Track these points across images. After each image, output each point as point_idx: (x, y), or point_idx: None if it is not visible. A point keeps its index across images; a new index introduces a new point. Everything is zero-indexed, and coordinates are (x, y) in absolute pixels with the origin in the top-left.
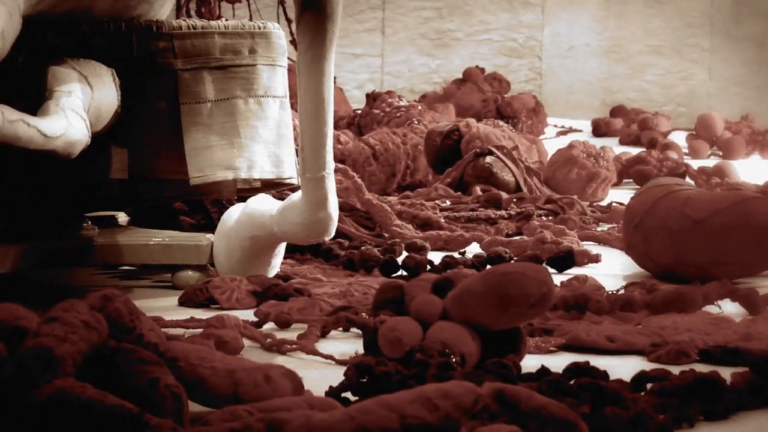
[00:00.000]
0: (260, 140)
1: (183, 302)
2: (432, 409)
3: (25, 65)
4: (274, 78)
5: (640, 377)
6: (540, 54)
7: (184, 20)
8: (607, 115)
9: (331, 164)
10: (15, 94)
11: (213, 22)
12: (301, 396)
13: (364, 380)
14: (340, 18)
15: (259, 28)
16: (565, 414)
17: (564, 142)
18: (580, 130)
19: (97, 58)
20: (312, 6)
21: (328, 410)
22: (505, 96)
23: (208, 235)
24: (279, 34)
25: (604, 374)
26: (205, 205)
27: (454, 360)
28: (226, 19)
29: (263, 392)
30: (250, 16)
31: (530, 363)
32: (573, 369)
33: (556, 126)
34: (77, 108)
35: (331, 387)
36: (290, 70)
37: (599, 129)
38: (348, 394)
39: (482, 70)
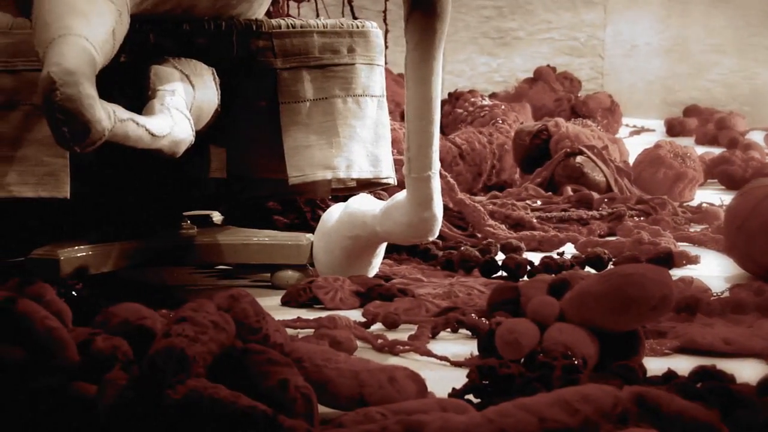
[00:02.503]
0: (358, 139)
1: (286, 302)
2: (572, 412)
3: (128, 64)
4: (372, 77)
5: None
6: (602, 53)
7: (283, 19)
8: (670, 114)
9: (436, 164)
10: (117, 92)
11: (312, 21)
12: (433, 399)
13: (487, 382)
14: (449, 17)
15: (357, 27)
16: (707, 418)
17: (636, 141)
18: (653, 130)
19: (197, 57)
20: (422, 5)
21: (462, 413)
22: (578, 95)
23: (308, 235)
24: (377, 33)
25: (731, 378)
26: (299, 205)
27: (576, 362)
28: (323, 18)
29: (388, 394)
30: (317, 13)
31: (647, 366)
32: (700, 372)
33: (628, 126)
34: (181, 107)
35: (453, 389)
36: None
37: (673, 129)
38: (470, 396)
39: (553, 69)
